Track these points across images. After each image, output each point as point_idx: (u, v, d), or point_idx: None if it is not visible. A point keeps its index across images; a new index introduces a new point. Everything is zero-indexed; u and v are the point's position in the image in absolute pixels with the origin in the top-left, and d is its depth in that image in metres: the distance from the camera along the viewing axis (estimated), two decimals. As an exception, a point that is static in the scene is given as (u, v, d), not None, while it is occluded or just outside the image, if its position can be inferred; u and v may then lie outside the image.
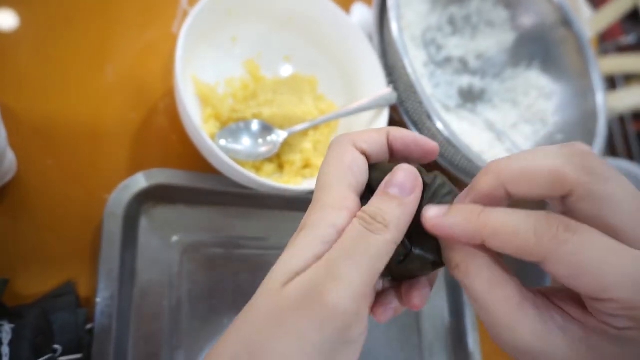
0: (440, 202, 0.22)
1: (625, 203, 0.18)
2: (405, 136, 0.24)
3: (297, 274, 0.20)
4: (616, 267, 0.17)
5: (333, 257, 0.20)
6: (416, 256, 0.22)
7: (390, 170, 0.22)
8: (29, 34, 0.44)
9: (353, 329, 0.19)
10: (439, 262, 0.22)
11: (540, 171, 0.19)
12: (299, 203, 0.50)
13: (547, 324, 0.19)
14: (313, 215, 0.21)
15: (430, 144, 0.24)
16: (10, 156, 0.38)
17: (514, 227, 0.18)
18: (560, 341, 0.18)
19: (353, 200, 0.22)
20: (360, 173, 0.23)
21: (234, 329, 0.20)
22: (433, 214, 0.21)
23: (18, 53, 0.43)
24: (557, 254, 0.17)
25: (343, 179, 0.22)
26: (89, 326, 0.38)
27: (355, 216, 0.21)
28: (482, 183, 0.20)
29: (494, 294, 0.19)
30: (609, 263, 0.17)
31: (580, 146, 0.19)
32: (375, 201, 0.22)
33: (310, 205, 0.22)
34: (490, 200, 0.20)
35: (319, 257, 0.20)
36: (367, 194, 0.23)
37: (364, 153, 0.23)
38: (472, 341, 0.53)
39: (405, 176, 0.22)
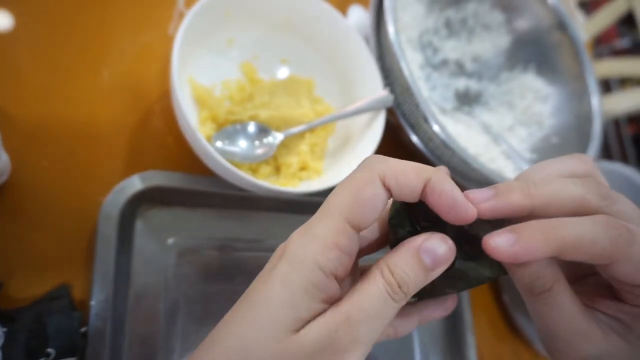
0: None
1: (634, 215, 0.21)
2: (445, 194, 0.20)
3: (306, 321, 0.20)
4: None
5: (355, 318, 0.20)
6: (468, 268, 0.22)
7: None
8: (24, 34, 0.44)
9: None
10: (493, 277, 0.22)
11: (569, 199, 0.21)
12: (296, 205, 0.50)
13: (601, 326, 0.22)
14: (301, 244, 0.20)
15: (466, 216, 0.21)
16: (4, 158, 0.38)
17: (592, 237, 0.20)
18: (616, 338, 0.22)
19: (349, 238, 0.20)
20: (372, 212, 0.21)
21: None
22: (504, 244, 0.20)
23: (13, 54, 0.43)
24: (627, 254, 0.20)
25: (350, 212, 0.20)
26: (83, 329, 0.37)
27: (342, 252, 0.20)
28: (515, 200, 0.21)
29: (576, 306, 0.21)
30: None
31: (586, 158, 0.24)
32: (405, 263, 0.21)
33: (306, 223, 0.21)
34: (511, 213, 0.21)
35: (325, 302, 0.20)
36: (401, 212, 0.23)
37: (389, 190, 0.21)
38: (468, 343, 0.53)
39: (444, 247, 0.21)
